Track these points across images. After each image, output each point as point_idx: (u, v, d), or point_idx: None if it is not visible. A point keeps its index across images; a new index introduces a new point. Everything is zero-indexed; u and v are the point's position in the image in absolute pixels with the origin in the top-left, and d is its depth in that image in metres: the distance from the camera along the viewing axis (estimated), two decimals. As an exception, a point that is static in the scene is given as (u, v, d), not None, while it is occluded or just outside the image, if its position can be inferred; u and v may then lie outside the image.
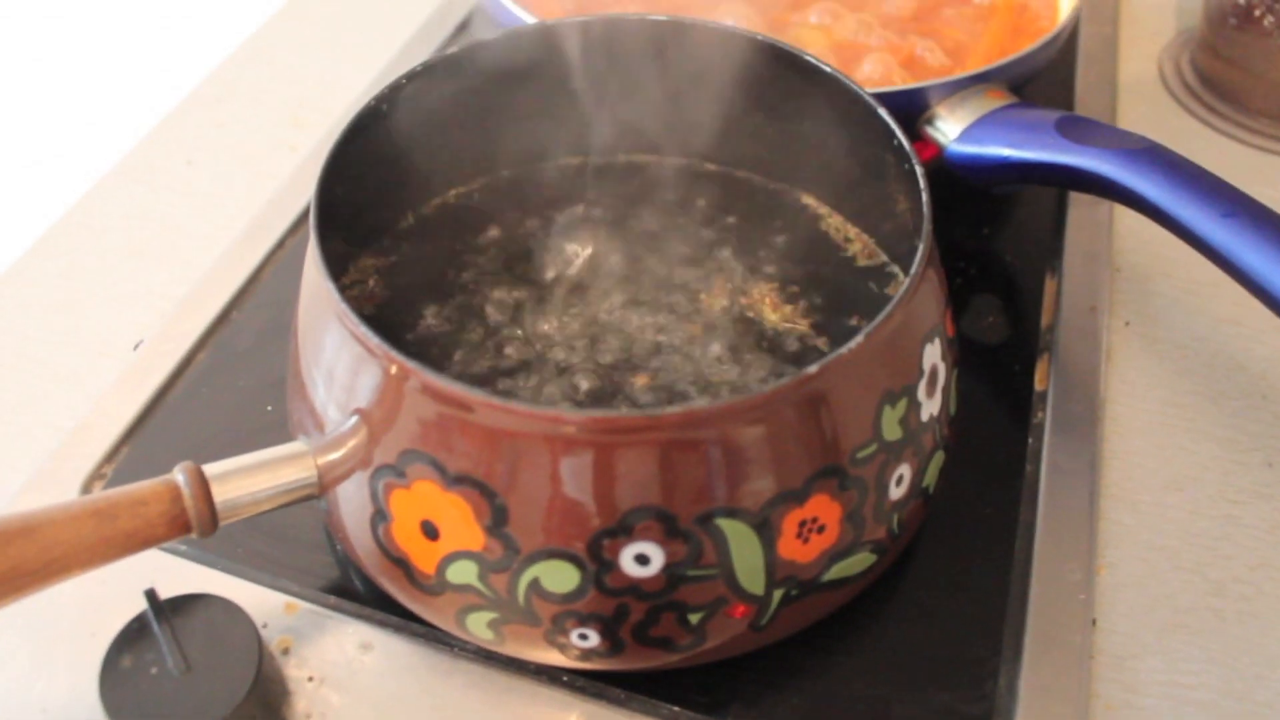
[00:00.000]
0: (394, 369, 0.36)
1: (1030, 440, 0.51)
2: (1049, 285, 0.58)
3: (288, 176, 0.63)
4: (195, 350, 0.54)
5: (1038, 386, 0.53)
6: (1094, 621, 0.45)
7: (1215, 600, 0.47)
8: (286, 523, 0.46)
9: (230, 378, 0.53)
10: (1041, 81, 0.61)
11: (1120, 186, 0.48)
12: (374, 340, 0.36)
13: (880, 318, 0.37)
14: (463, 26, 0.75)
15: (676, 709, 0.42)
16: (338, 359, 0.39)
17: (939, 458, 0.43)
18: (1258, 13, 0.65)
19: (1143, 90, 0.71)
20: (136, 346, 0.54)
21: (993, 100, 0.55)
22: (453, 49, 0.47)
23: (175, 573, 0.45)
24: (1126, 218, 0.61)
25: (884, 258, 0.50)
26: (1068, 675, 0.43)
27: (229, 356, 0.54)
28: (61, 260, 0.59)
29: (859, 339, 0.36)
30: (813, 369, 0.35)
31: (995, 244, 0.61)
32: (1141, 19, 0.77)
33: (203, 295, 0.56)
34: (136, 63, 0.87)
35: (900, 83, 0.58)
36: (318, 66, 0.73)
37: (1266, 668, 0.45)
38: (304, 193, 0.62)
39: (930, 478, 0.42)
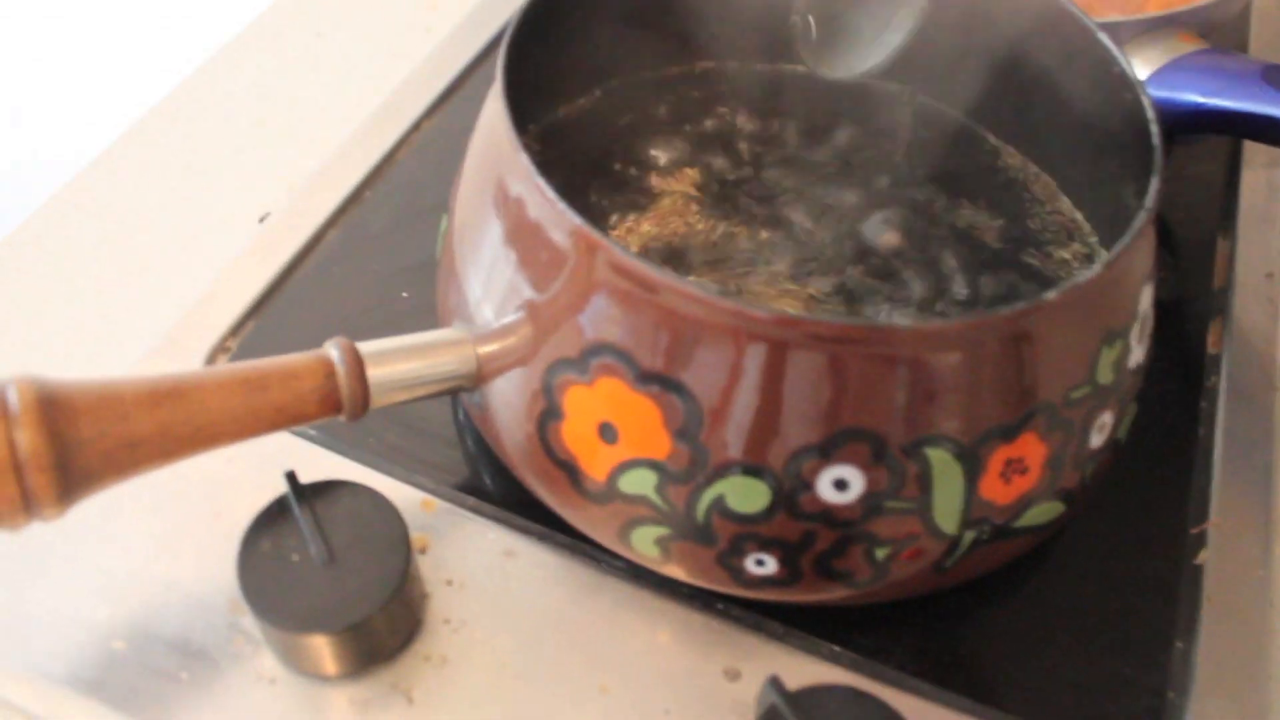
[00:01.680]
0: (585, 243, 0.33)
1: (1203, 404, 0.48)
2: (1221, 246, 0.55)
3: (423, 58, 0.60)
4: (325, 228, 0.51)
5: (1211, 349, 0.50)
6: (1271, 602, 0.43)
7: (1395, 588, 0.44)
8: (420, 415, 0.44)
9: (362, 260, 0.50)
10: (1216, 33, 0.57)
11: (1334, 142, 0.45)
12: (569, 213, 0.33)
13: (1116, 251, 0.34)
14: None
15: (837, 649, 0.39)
16: (515, 232, 0.36)
17: (1133, 409, 0.40)
18: None
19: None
20: (263, 219, 0.51)
21: (1185, 44, 0.51)
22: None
23: (308, 459, 0.43)
24: (1305, 183, 0.58)
25: (1065, 200, 0.47)
26: (1246, 652, 0.41)
27: (361, 237, 0.51)
28: (184, 125, 0.56)
29: (1096, 270, 0.33)
30: (1048, 296, 0.32)
31: (1166, 198, 0.57)
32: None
33: (334, 172, 0.53)
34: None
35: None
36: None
37: None
38: (442, 76, 0.59)
39: (1124, 428, 0.40)
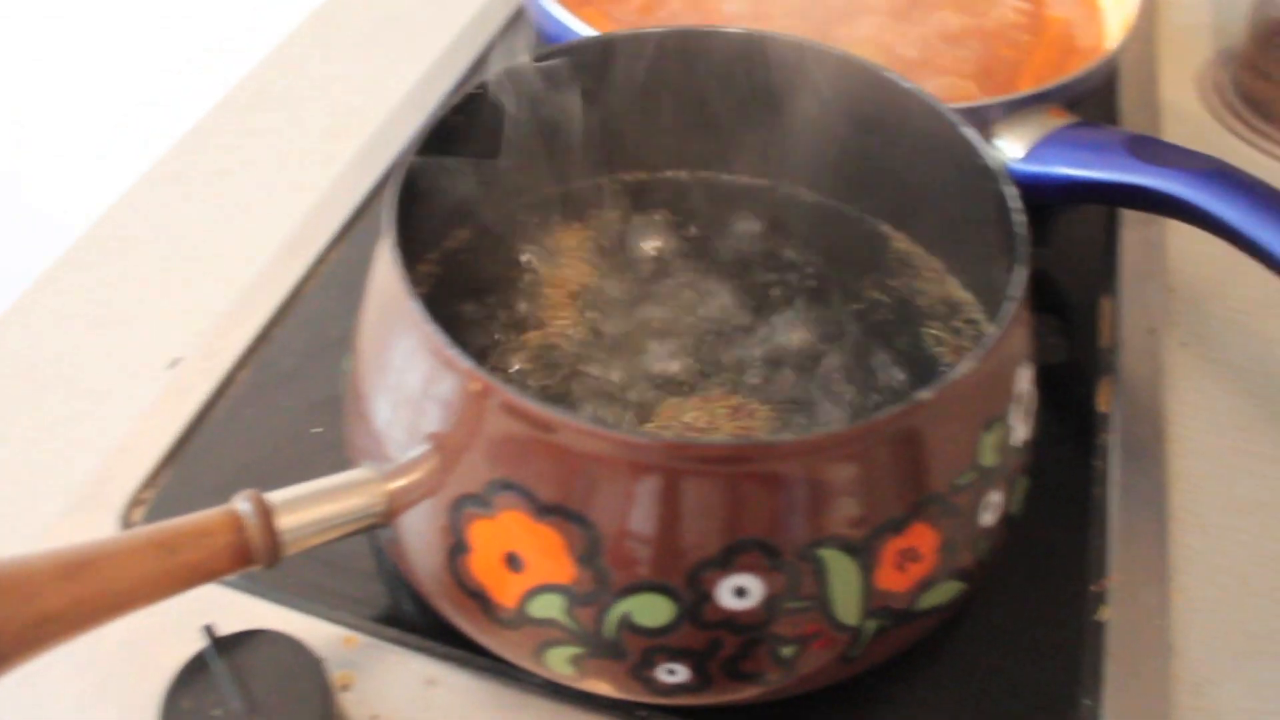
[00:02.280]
0: (478, 387, 0.35)
1: (1096, 463, 0.50)
2: (1105, 306, 0.57)
3: (327, 188, 0.61)
4: (236, 369, 0.52)
5: (1101, 409, 0.52)
6: (1171, 648, 0.44)
7: (1291, 627, 0.46)
8: (338, 550, 0.44)
9: (275, 398, 0.51)
10: (1083, 107, 0.60)
11: (1193, 207, 0.48)
12: (461, 359, 0.35)
13: (988, 343, 0.36)
14: (504, 32, 0.73)
15: (757, 743, 0.40)
16: (410, 376, 0.38)
17: (1022, 483, 0.42)
18: (1301, 33, 0.64)
19: (1184, 110, 0.71)
20: (174, 364, 0.52)
21: (1055, 119, 0.54)
22: (525, 56, 0.46)
23: (226, 606, 0.43)
24: (1178, 237, 0.60)
25: (959, 285, 0.49)
26: (1149, 702, 0.42)
27: (272, 375, 0.52)
28: (91, 274, 0.57)
29: (969, 364, 0.35)
30: (924, 396, 0.34)
31: (1047, 264, 0.60)
32: (1179, 38, 0.77)
33: (242, 312, 0.54)
34: (165, 69, 0.85)
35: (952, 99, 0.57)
36: (354, 75, 0.71)
37: (1348, 695, 0.44)
38: (345, 205, 0.60)
39: (1016, 504, 0.41)
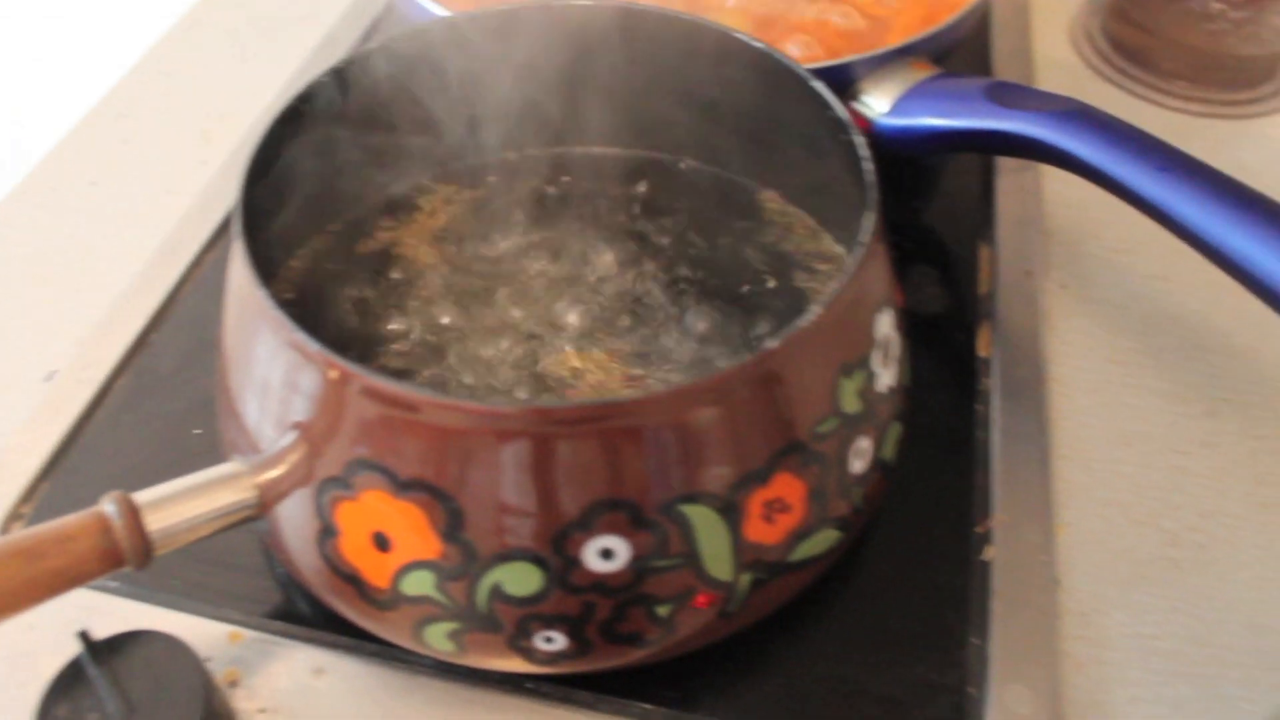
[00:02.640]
0: (334, 374, 0.35)
1: (979, 407, 0.51)
2: (984, 253, 0.58)
3: (200, 191, 0.61)
4: (114, 377, 0.51)
5: (981, 353, 0.53)
6: (1057, 581, 0.45)
7: (1172, 550, 0.47)
8: (224, 548, 0.44)
9: (154, 403, 0.50)
10: (958, 54, 0.61)
11: (1054, 148, 0.48)
12: (312, 346, 0.35)
13: (835, 290, 0.36)
14: (373, 29, 0.73)
15: (649, 707, 0.41)
16: (271, 370, 0.37)
17: (896, 429, 0.42)
18: (1164, -24, 0.65)
19: (1057, 58, 0.71)
20: (49, 377, 0.51)
21: (918, 72, 0.55)
22: (371, 46, 0.46)
23: (110, 611, 0.43)
24: (1054, 182, 0.61)
25: (826, 235, 0.49)
26: (1036, 636, 0.43)
27: (151, 381, 0.51)
28: (-39, 291, 0.56)
29: (815, 312, 0.35)
30: (770, 345, 0.34)
31: (927, 217, 0.61)
32: (1051, -11, 0.78)
33: (118, 319, 0.53)
34: (35, 80, 0.84)
35: (818, 59, 0.58)
36: (226, 77, 0.71)
37: (1226, 611, 0.45)
38: (218, 208, 0.59)
39: (889, 450, 0.42)
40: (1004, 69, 0.69)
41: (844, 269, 0.37)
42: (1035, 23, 0.74)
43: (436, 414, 0.34)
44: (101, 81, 0.68)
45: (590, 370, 0.44)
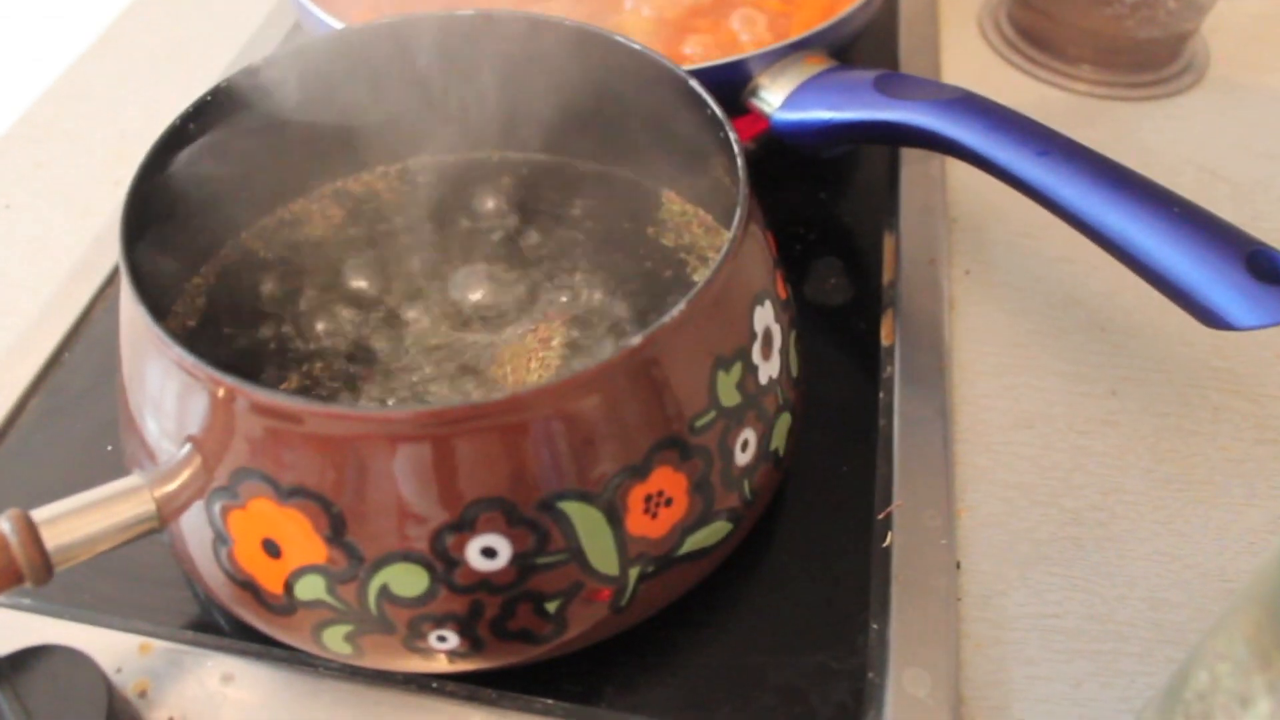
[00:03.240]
0: (220, 391, 0.35)
1: (881, 395, 0.52)
2: (888, 242, 0.59)
3: (114, 212, 0.61)
4: (26, 397, 0.52)
5: (884, 341, 0.54)
6: (958, 564, 0.46)
7: (1073, 529, 0.48)
8: (134, 560, 0.45)
9: (67, 422, 0.51)
10: (865, 46, 0.62)
11: (940, 136, 0.49)
12: (192, 361, 0.35)
13: (702, 283, 0.37)
14: (282, 45, 0.73)
15: (550, 702, 0.41)
16: (164, 388, 0.38)
17: (785, 420, 0.43)
18: (1063, -37, 0.66)
19: (964, 46, 0.73)
20: (-37, 400, 0.52)
21: (812, 66, 0.55)
22: (251, 63, 0.46)
23: (20, 626, 0.43)
24: (957, 170, 0.62)
25: (724, 232, 0.50)
26: (936, 620, 0.44)
27: (64, 400, 0.52)
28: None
29: (681, 306, 0.36)
30: (636, 340, 0.35)
31: (833, 208, 0.61)
32: (957, -22, 0.79)
33: (30, 340, 0.54)
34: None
35: (720, 56, 0.58)
36: (140, 98, 0.71)
37: (1126, 588, 0.46)
38: (130, 226, 0.60)
39: (778, 440, 0.43)
40: (911, 59, 0.70)
41: (712, 264, 0.38)
42: (943, 12, 0.75)
43: (313, 422, 0.34)
44: (13, 105, 0.69)
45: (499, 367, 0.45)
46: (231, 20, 0.77)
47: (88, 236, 0.60)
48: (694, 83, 0.45)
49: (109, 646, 0.42)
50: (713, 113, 0.44)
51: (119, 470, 0.47)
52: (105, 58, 0.75)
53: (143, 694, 0.42)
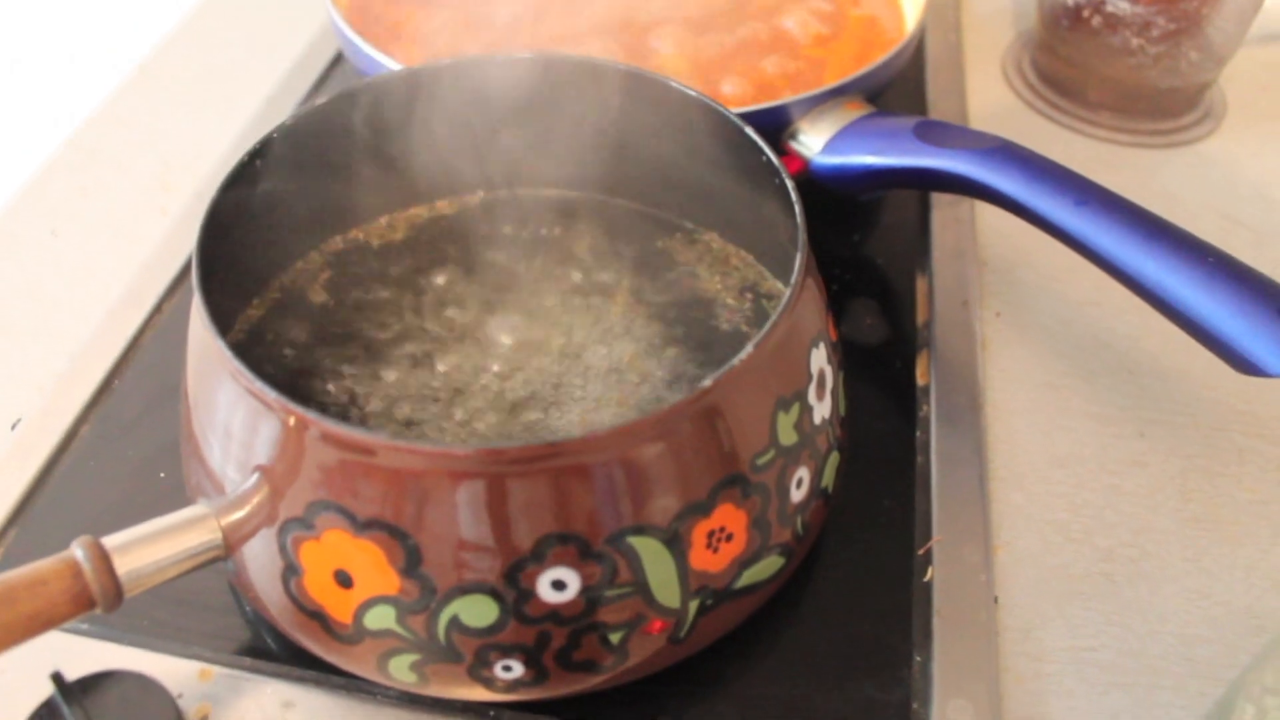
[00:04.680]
0: (292, 420, 0.36)
1: (918, 433, 0.53)
2: (921, 284, 0.60)
3: (160, 239, 0.62)
4: (78, 424, 0.52)
5: (920, 381, 0.55)
6: (996, 599, 0.47)
7: (1106, 566, 0.49)
8: (191, 588, 0.45)
9: (119, 448, 0.52)
10: (894, 91, 0.63)
11: (979, 184, 0.51)
12: (270, 394, 0.36)
13: (766, 328, 0.38)
14: (324, 78, 0.75)
15: (606, 731, 0.42)
16: (233, 416, 0.39)
17: (835, 458, 0.44)
18: (1086, 14, 0.68)
19: (990, 91, 0.74)
20: (14, 426, 0.53)
21: (852, 111, 0.57)
22: (321, 99, 0.47)
23: (80, 652, 0.44)
24: (987, 214, 0.63)
25: (766, 273, 0.51)
26: (977, 653, 0.45)
27: (115, 427, 0.52)
28: (-75, 344, 0.57)
29: (749, 350, 0.37)
30: (706, 383, 0.36)
31: (865, 250, 0.63)
32: (982, 25, 0.81)
33: (82, 367, 0.55)
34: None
35: (757, 100, 0.60)
36: (182, 126, 0.72)
37: (1158, 623, 0.47)
38: (179, 255, 0.61)
39: (828, 478, 0.44)
40: (939, 104, 0.71)
41: (777, 309, 0.39)
42: (968, 58, 0.77)
43: (390, 456, 0.35)
44: (58, 133, 0.70)
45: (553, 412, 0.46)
46: (273, 49, 0.78)
47: (135, 264, 0.61)
48: (749, 129, 0.46)
49: (169, 672, 0.42)
50: (767, 159, 0.45)
51: (172, 497, 0.49)
52: (147, 86, 0.76)
53: (205, 719, 0.42)
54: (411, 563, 0.36)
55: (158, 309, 0.58)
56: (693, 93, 0.48)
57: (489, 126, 0.51)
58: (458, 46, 0.64)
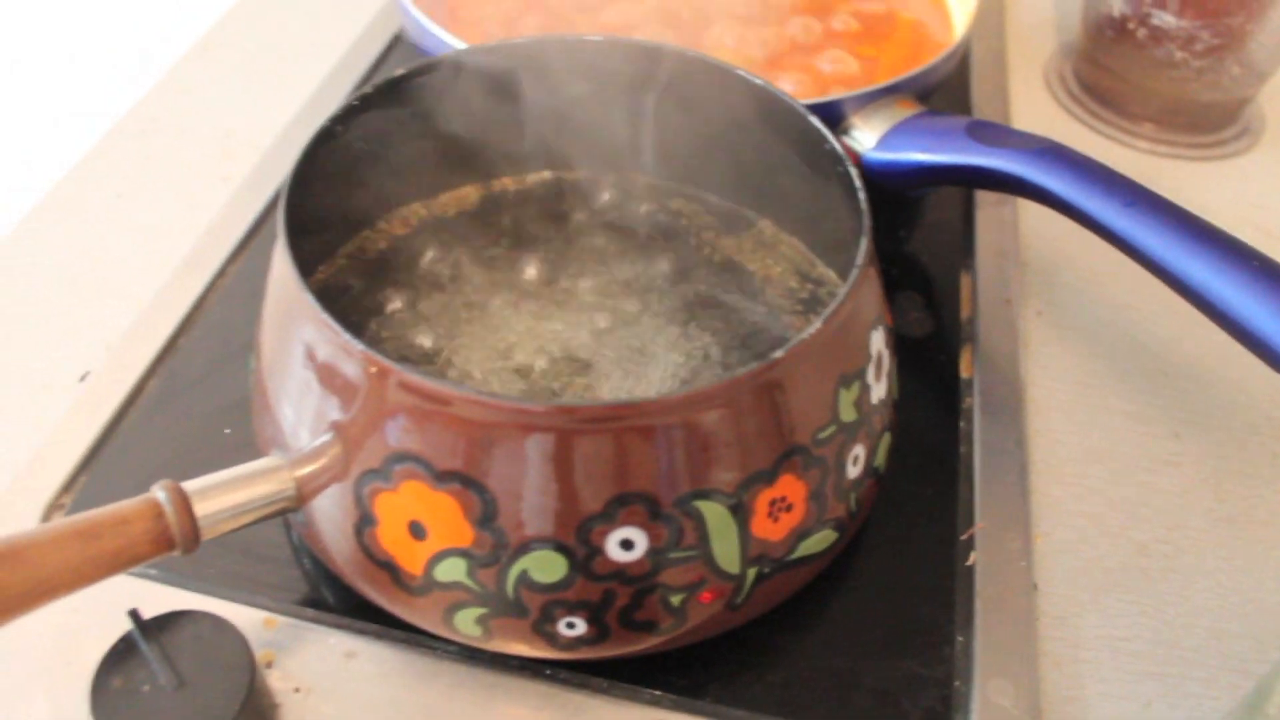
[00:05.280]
0: (374, 369, 0.38)
1: (962, 424, 0.54)
2: (965, 281, 0.61)
3: (223, 205, 0.64)
4: (145, 379, 0.54)
5: (964, 374, 0.56)
6: (1035, 586, 0.49)
7: (1141, 559, 0.50)
8: (255, 539, 0.47)
9: (184, 404, 0.53)
10: (939, 95, 0.65)
11: (1029, 183, 0.52)
12: (356, 345, 0.37)
13: (834, 305, 0.39)
14: (387, 52, 0.76)
15: (658, 693, 0.44)
16: (311, 366, 0.40)
17: (887, 439, 0.46)
18: (1131, 25, 0.69)
19: (1032, 98, 0.76)
20: (83, 378, 0.54)
21: (904, 109, 0.58)
22: (397, 71, 0.49)
23: (149, 596, 0.45)
24: (1029, 215, 0.65)
25: (816, 260, 0.53)
26: (1016, 636, 0.46)
27: (181, 384, 0.54)
28: (-2, 295, 0.59)
29: (817, 325, 0.39)
30: (778, 354, 0.38)
31: (911, 246, 0.64)
32: (1026, 34, 0.82)
33: (148, 325, 0.56)
34: (60, 97, 0.86)
35: (811, 95, 0.61)
36: (244, 98, 0.74)
37: (1191, 616, 0.48)
38: (242, 221, 0.62)
39: (881, 458, 0.45)
40: (983, 108, 0.73)
41: (845, 286, 0.40)
42: (1011, 65, 0.78)
43: (473, 410, 0.36)
44: (124, 99, 0.71)
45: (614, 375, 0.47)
46: (335, 24, 0.80)
47: (198, 227, 0.62)
48: (813, 118, 0.47)
49: (235, 618, 0.43)
50: (830, 147, 0.47)
51: (236, 452, 0.50)
52: (211, 56, 0.77)
53: (269, 664, 0.44)
54: (487, 516, 0.38)
55: (221, 272, 0.59)
56: (759, 81, 0.49)
57: (558, 107, 0.52)
58: (514, 30, 0.65)
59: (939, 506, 0.51)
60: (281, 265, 0.41)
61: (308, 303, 0.39)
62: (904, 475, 0.51)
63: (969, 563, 0.48)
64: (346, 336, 0.38)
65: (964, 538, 0.50)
